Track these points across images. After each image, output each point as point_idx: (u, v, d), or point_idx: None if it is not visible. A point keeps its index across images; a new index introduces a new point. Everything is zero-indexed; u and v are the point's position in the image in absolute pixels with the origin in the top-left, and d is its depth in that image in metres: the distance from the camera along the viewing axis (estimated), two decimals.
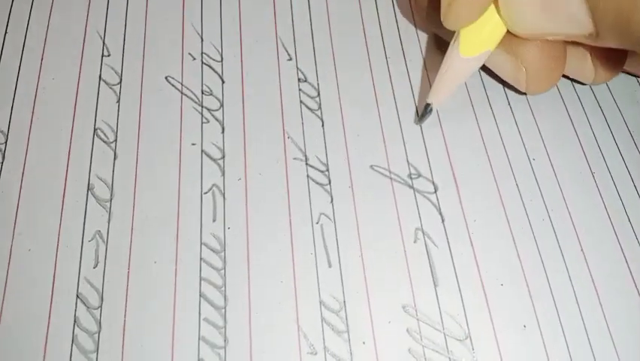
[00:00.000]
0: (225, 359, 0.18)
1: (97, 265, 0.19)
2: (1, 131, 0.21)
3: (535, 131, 0.23)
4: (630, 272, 0.20)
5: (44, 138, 0.21)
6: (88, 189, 0.20)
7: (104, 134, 0.22)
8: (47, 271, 0.19)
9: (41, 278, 0.19)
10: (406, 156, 0.22)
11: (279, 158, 0.21)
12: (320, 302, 0.19)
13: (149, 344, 0.18)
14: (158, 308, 0.18)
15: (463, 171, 0.22)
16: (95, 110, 0.22)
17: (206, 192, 0.21)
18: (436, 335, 0.19)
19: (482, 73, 0.24)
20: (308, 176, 0.21)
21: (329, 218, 0.20)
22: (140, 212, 0.20)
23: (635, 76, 0.25)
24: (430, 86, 0.22)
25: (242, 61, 0.24)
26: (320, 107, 0.23)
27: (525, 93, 0.23)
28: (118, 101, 0.22)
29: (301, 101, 0.23)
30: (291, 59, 0.24)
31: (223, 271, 0.19)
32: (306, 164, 0.21)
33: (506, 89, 0.24)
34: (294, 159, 0.21)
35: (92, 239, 0.19)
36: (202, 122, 0.22)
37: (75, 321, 0.18)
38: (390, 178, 0.21)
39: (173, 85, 0.23)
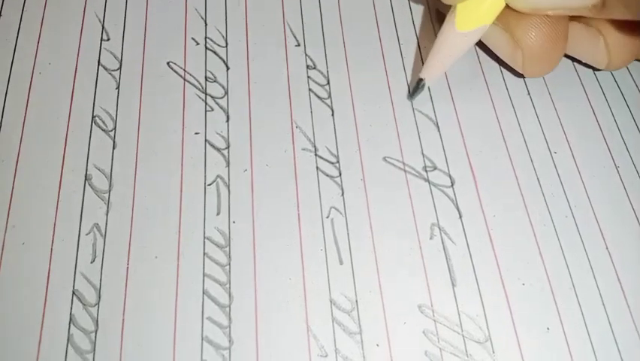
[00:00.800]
0: None
1: (94, 260, 0.18)
2: None
3: (556, 122, 0.22)
4: None
5: (40, 125, 0.21)
6: (85, 179, 0.20)
7: (103, 122, 0.21)
8: (42, 265, 0.18)
9: (35, 273, 0.18)
10: (421, 147, 0.21)
11: (287, 148, 0.21)
12: (330, 301, 0.18)
13: (149, 344, 0.17)
14: (159, 306, 0.18)
15: (481, 164, 0.21)
16: (94, 96, 0.22)
17: (209, 184, 0.20)
18: (454, 337, 0.18)
19: (501, 62, 0.23)
20: (317, 168, 0.21)
21: (340, 212, 0.20)
22: (140, 204, 0.19)
23: None
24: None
25: (247, 46, 0.23)
26: (330, 96, 0.22)
27: (523, 75, 0.23)
28: (117, 88, 0.22)
29: (310, 89, 0.22)
30: (299, 45, 0.23)
31: (228, 267, 0.19)
32: (316, 155, 0.21)
33: (526, 80, 0.23)
34: (303, 149, 0.21)
35: (90, 232, 0.19)
36: (206, 111, 0.22)
37: (71, 319, 0.17)
38: (405, 171, 0.21)
39: (175, 71, 0.22)
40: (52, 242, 0.19)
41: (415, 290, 0.18)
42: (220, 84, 0.22)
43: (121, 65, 0.22)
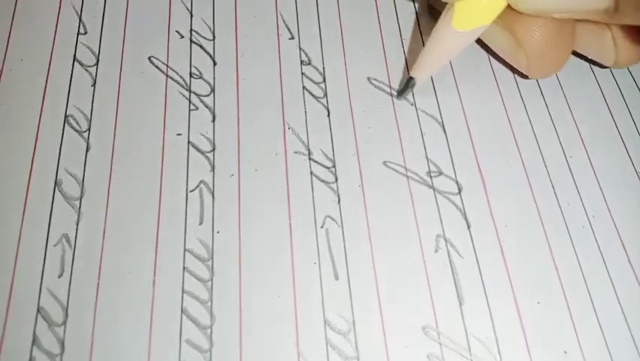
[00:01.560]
0: None
1: (62, 275, 0.18)
2: None
3: (571, 124, 0.22)
4: None
5: (8, 125, 0.20)
6: (55, 185, 0.19)
7: (76, 122, 0.20)
8: (4, 280, 0.17)
9: None
10: (425, 150, 0.21)
11: (278, 151, 0.20)
12: (325, 322, 0.17)
13: None
14: (133, 327, 0.17)
15: (490, 169, 0.20)
16: (67, 94, 0.21)
17: (192, 190, 0.19)
18: None
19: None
20: (311, 173, 0.20)
21: (335, 222, 0.19)
22: (113, 213, 0.19)
23: None
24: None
25: (237, 39, 0.23)
26: (326, 95, 0.22)
27: (527, 77, 0.22)
28: (93, 85, 0.21)
29: (304, 87, 0.22)
30: (293, 38, 0.23)
31: (210, 283, 0.18)
32: (310, 159, 0.20)
33: (527, 79, 0.23)
34: (296, 152, 0.20)
35: (58, 243, 0.18)
36: (189, 110, 0.21)
37: (34, 341, 0.17)
38: (407, 176, 0.20)
39: (157, 66, 0.22)
40: (17, 254, 0.18)
41: (418, 310, 0.18)
42: (206, 81, 0.22)
43: (98, 61, 0.22)
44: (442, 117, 0.21)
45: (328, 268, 0.18)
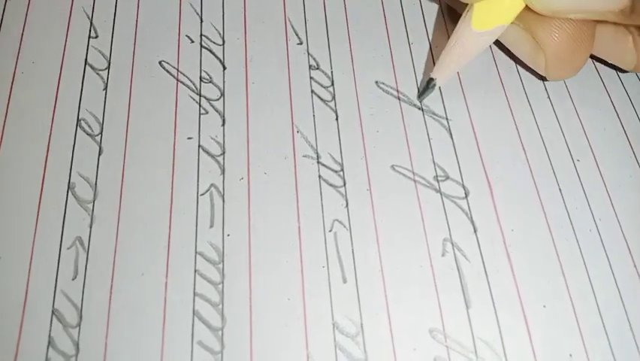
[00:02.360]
0: None
1: (76, 277, 0.18)
2: None
3: (578, 128, 0.22)
4: None
5: (21, 129, 0.20)
6: (68, 188, 0.19)
7: (89, 126, 0.20)
8: (19, 282, 0.17)
9: (12, 291, 0.17)
10: (432, 155, 0.21)
11: (287, 155, 0.20)
12: (333, 325, 0.17)
13: None
14: (145, 328, 0.17)
15: (497, 174, 0.20)
16: (79, 98, 0.21)
17: (202, 194, 0.19)
18: None
19: (519, 63, 0.23)
20: (320, 176, 0.20)
21: (344, 225, 0.19)
22: (126, 216, 0.19)
23: None
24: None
25: (246, 44, 0.23)
26: (334, 98, 0.22)
27: (545, 78, 0.22)
28: (105, 89, 0.21)
29: (312, 91, 0.22)
30: (301, 43, 0.23)
31: (221, 285, 0.18)
32: (318, 162, 0.20)
33: (546, 82, 0.23)
34: (304, 156, 0.20)
35: (72, 246, 0.18)
36: (200, 114, 0.21)
37: (49, 342, 0.17)
38: (414, 181, 0.20)
39: (167, 71, 0.22)
40: (31, 257, 0.18)
41: (425, 313, 0.18)
42: (216, 85, 0.22)
43: (109, 65, 0.22)
44: (448, 122, 0.21)
45: (337, 272, 0.18)
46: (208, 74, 0.22)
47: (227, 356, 0.17)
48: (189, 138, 0.20)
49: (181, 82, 0.21)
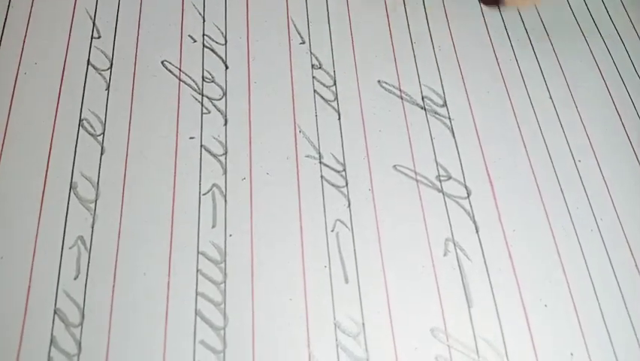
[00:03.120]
0: None
1: (78, 276, 0.18)
2: None
3: (580, 128, 0.22)
4: None
5: (23, 129, 0.20)
6: (70, 187, 0.19)
7: (91, 126, 0.20)
8: (21, 282, 0.17)
9: (14, 290, 0.17)
10: (435, 155, 0.21)
11: (289, 155, 0.20)
12: (335, 324, 0.17)
13: None
14: (147, 328, 0.17)
15: (499, 174, 0.20)
16: (82, 98, 0.21)
17: (205, 194, 0.19)
18: None
19: (521, 64, 0.23)
20: (322, 176, 0.20)
21: (346, 225, 0.19)
22: (128, 215, 0.19)
23: None
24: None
25: (248, 44, 0.23)
26: (336, 98, 0.22)
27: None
28: (107, 89, 0.21)
29: (315, 91, 0.22)
30: (304, 43, 0.23)
31: (223, 285, 0.18)
32: (320, 162, 0.20)
33: (547, 82, 0.23)
34: (307, 156, 0.20)
35: (74, 246, 0.18)
36: (202, 113, 0.21)
37: (51, 341, 0.17)
38: (417, 180, 0.20)
39: (170, 70, 0.22)
40: (34, 256, 0.18)
41: (427, 312, 0.18)
42: (218, 85, 0.22)
43: (112, 65, 0.22)
44: (451, 122, 0.21)
45: (338, 271, 0.18)
46: (210, 74, 0.22)
47: (229, 355, 0.17)
48: (191, 138, 0.20)
49: (183, 82, 0.21)
